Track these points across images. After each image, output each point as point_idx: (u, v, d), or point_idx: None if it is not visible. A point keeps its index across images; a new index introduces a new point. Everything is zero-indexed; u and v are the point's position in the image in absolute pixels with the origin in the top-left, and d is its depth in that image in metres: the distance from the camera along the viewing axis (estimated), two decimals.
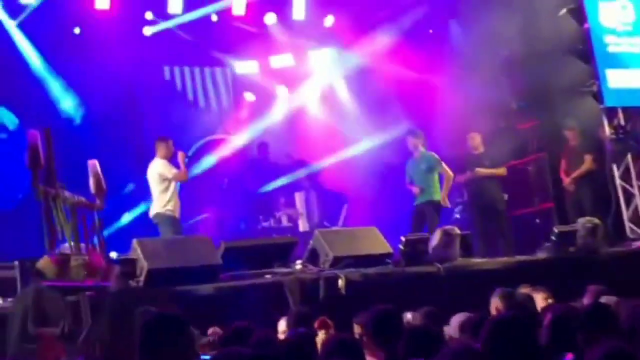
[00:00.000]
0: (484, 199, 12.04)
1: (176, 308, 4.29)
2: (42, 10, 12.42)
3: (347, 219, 13.02)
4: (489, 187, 12.02)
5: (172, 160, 10.87)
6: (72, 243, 8.30)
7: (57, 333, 4.80)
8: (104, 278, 8.06)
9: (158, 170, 10.84)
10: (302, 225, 13.00)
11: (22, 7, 12.47)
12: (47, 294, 6.85)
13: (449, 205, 11.63)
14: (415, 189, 11.48)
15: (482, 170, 12.02)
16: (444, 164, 11.44)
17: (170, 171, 10.78)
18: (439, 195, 11.41)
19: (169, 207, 10.70)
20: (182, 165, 10.85)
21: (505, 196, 12.16)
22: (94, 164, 8.65)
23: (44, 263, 7.90)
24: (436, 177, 11.54)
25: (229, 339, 5.01)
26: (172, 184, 10.77)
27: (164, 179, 10.75)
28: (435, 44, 13.30)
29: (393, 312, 5.46)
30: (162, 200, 10.73)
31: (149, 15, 13.53)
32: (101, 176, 8.62)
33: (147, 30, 13.67)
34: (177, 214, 10.81)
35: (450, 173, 11.47)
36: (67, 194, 8.21)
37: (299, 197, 13.17)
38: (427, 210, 11.35)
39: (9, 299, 7.51)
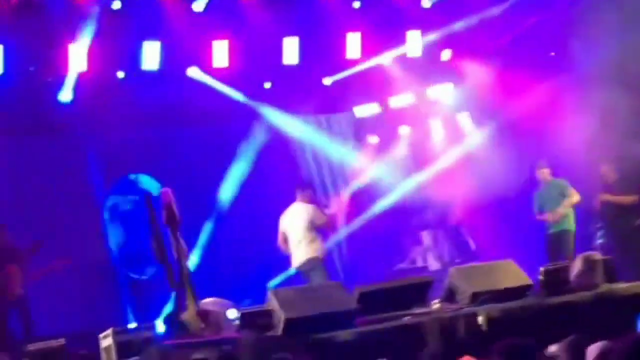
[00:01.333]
0: (617, 227, 11.68)
1: (309, 356, 4.25)
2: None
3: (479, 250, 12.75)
4: (621, 213, 11.64)
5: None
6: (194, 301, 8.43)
7: None
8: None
9: (310, 217, 11.19)
10: (433, 264, 12.85)
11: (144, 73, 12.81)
12: (172, 352, 6.95)
13: None
14: (550, 216, 11.29)
15: (607, 197, 11.74)
16: (572, 189, 11.27)
17: (322, 218, 11.19)
18: (573, 224, 11.22)
19: (321, 251, 11.23)
20: (337, 212, 11.53)
21: (638, 221, 11.73)
22: (166, 193, 8.62)
23: (190, 316, 8.04)
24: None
25: None
26: (320, 230, 11.32)
27: (314, 225, 11.15)
28: (559, 67, 12.98)
29: (528, 347, 5.24)
30: (314, 245, 11.17)
31: None
32: (174, 206, 8.55)
33: None
34: (323, 256, 11.30)
35: (579, 197, 11.29)
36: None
37: (426, 236, 13.05)
38: (563, 238, 11.09)
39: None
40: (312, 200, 11.26)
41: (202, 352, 7.47)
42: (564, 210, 11.50)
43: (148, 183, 13.51)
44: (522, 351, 5.08)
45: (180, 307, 8.44)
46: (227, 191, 13.62)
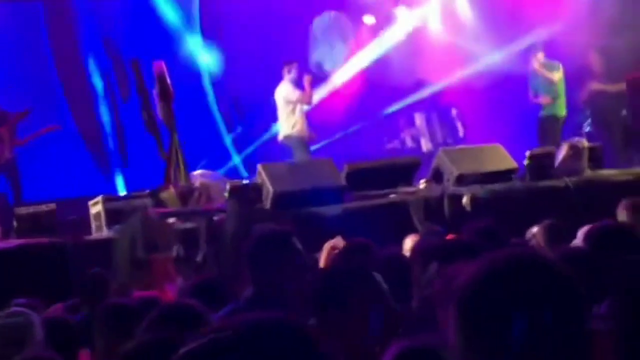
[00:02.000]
0: (603, 115, 11.70)
1: (291, 227, 4.34)
2: None
3: (468, 135, 12.77)
4: (607, 102, 11.64)
5: (299, 83, 11.04)
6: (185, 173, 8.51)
7: (171, 257, 4.94)
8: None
9: (283, 93, 11.07)
10: (425, 146, 12.89)
11: None
12: (155, 221, 7.04)
13: None
14: (544, 99, 11.37)
15: (597, 85, 11.70)
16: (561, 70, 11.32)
17: (294, 94, 10.92)
18: (563, 109, 11.26)
19: (296, 129, 10.91)
20: (307, 88, 11.02)
21: (624, 111, 11.74)
22: (160, 65, 8.53)
23: (168, 194, 8.12)
24: (562, 88, 11.32)
25: (350, 252, 5.03)
26: (298, 107, 10.97)
27: (288, 102, 10.89)
28: None
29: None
30: (289, 123, 10.95)
31: None
32: (167, 80, 8.50)
33: None
34: (305, 136, 11.00)
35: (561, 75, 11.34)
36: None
37: (419, 118, 13.05)
38: (551, 122, 11.17)
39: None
40: (296, 76, 11.11)
41: (189, 222, 7.61)
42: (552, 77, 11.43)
43: None
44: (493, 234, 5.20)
45: (169, 179, 8.52)
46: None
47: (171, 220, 7.77)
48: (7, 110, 11.02)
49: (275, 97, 11.24)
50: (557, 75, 11.57)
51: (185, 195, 8.39)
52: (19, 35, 12.69)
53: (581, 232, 5.66)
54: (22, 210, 7.67)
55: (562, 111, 11.40)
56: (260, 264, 3.56)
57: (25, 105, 11.14)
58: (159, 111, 8.51)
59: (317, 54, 13.64)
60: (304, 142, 11.07)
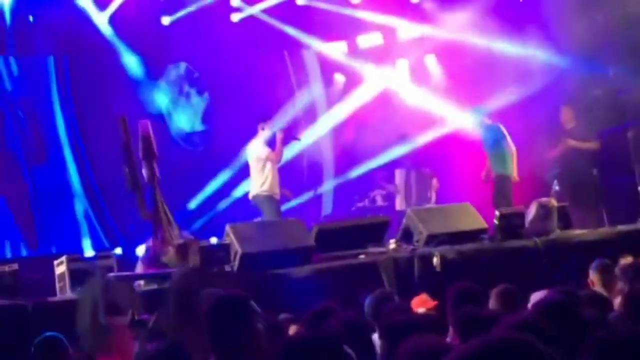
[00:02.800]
0: (574, 174, 11.74)
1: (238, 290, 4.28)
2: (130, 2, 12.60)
3: (441, 197, 12.77)
4: (579, 160, 11.69)
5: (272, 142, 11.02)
6: (175, 231, 8.38)
7: (127, 322, 4.83)
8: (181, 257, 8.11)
9: (253, 150, 11.03)
10: (399, 204, 12.84)
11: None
12: (115, 283, 6.91)
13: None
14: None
15: (571, 142, 11.75)
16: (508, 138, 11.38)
17: (264, 151, 10.89)
18: (511, 169, 11.31)
19: (265, 187, 10.81)
20: (278, 145, 10.97)
21: (595, 171, 11.80)
22: (144, 125, 8.40)
23: (170, 257, 7.96)
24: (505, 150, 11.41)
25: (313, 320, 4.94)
26: (268, 164, 10.88)
27: (259, 160, 10.86)
28: (526, 13, 12.92)
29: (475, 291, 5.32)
30: (258, 181, 10.86)
31: (235, 2, 13.56)
32: (152, 139, 8.36)
33: (234, 17, 13.73)
34: (274, 194, 10.90)
35: (513, 148, 11.39)
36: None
37: (399, 175, 13.02)
38: (502, 182, 11.25)
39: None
40: (270, 134, 11.04)
41: (149, 284, 7.48)
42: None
43: None
44: (471, 295, 5.15)
45: (165, 239, 8.33)
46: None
47: (137, 282, 7.65)
48: None
49: (247, 155, 11.19)
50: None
51: (183, 251, 8.28)
52: None
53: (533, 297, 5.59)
54: None
55: (509, 170, 11.47)
56: (218, 330, 3.47)
57: None
58: (143, 170, 8.39)
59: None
60: (273, 201, 10.93)
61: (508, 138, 11.48)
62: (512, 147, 11.49)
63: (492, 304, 5.28)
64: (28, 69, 12.82)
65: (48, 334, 4.84)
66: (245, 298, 3.69)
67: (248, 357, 3.32)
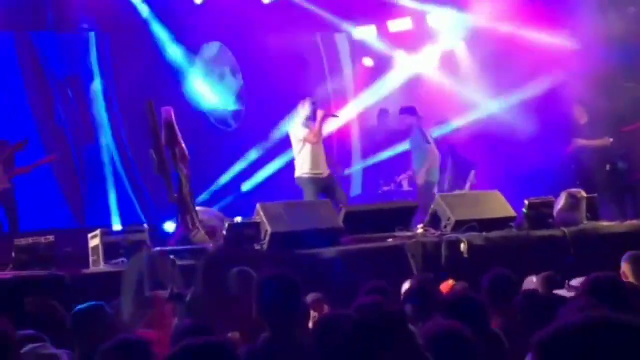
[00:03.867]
0: (586, 170, 11.73)
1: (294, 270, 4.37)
2: None
3: (474, 184, 12.76)
4: (590, 158, 11.67)
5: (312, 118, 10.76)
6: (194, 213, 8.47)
7: (166, 295, 4.93)
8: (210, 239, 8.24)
9: (292, 130, 10.87)
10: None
11: None
12: (159, 258, 7.03)
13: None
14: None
15: (580, 141, 11.75)
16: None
17: (302, 131, 10.71)
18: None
19: (305, 169, 10.68)
20: (317, 124, 10.63)
21: (608, 166, 11.76)
22: (167, 111, 8.46)
23: (201, 236, 8.08)
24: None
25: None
26: (308, 145, 10.64)
27: (297, 140, 10.75)
28: (558, 1, 12.89)
29: (511, 277, 5.42)
30: (298, 162, 10.75)
31: None
32: (175, 126, 8.44)
33: None
34: (316, 175, 10.68)
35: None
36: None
37: None
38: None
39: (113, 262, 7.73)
40: (310, 113, 10.87)
41: (188, 259, 7.57)
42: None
43: None
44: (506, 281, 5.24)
45: (182, 222, 8.41)
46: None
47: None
48: (6, 139, 11.04)
49: (290, 135, 11.02)
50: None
51: (211, 235, 8.41)
52: (17, 64, 12.72)
53: (575, 282, 5.71)
54: (21, 241, 7.63)
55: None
56: (273, 307, 3.56)
57: (23, 135, 11.18)
58: (170, 154, 8.47)
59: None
60: (314, 181, 10.64)
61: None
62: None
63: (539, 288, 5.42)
64: (71, 46, 12.95)
65: (90, 303, 4.93)
66: (294, 276, 3.78)
67: (301, 331, 3.42)
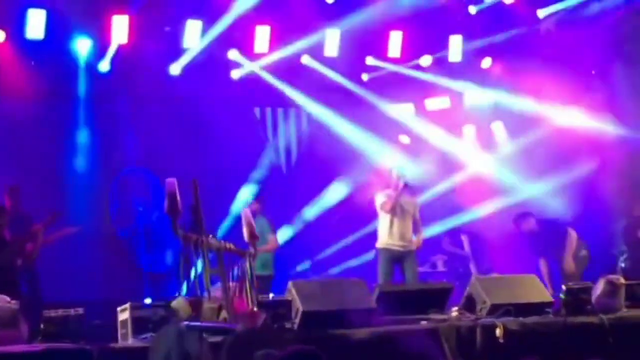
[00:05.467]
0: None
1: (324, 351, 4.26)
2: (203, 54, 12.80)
3: (499, 267, 12.60)
4: None
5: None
6: (209, 288, 8.40)
7: None
8: (249, 323, 8.10)
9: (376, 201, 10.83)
10: (472, 269, 12.72)
11: (184, 51, 12.85)
12: (188, 333, 6.95)
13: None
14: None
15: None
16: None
17: (379, 200, 10.77)
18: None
19: (378, 240, 10.76)
20: (392, 193, 10.68)
21: None
22: (246, 212, 8.72)
23: (179, 303, 8.02)
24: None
25: None
26: (381, 214, 10.72)
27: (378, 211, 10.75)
28: (599, 87, 12.88)
29: None
30: (378, 232, 10.80)
31: (305, 59, 13.69)
32: (253, 224, 8.67)
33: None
34: (386, 246, 10.70)
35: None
36: (212, 240, 8.31)
37: (465, 240, 12.89)
38: None
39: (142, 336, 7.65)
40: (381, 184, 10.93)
41: (216, 336, 7.47)
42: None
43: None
44: None
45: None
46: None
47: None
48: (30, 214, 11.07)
49: None
50: None
51: (195, 305, 8.28)
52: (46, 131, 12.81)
53: None
54: (51, 313, 7.59)
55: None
56: None
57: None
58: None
59: None
60: (382, 253, 10.68)
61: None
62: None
63: None
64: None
65: None
66: (320, 353, 3.68)
67: None
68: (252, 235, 8.64)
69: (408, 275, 10.48)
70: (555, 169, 12.34)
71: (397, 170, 10.78)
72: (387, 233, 10.64)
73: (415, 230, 10.83)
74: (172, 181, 8.38)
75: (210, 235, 8.33)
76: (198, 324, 7.70)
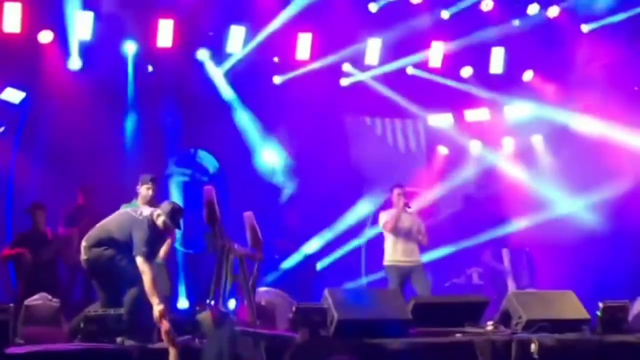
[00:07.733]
0: None
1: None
2: (245, 60, 12.89)
3: (539, 282, 12.53)
4: None
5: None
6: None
7: None
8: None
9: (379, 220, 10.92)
10: (510, 285, 12.65)
11: (228, 56, 12.95)
12: (241, 337, 7.01)
13: None
14: None
15: None
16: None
17: (381, 219, 10.82)
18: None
19: (385, 257, 10.75)
20: (394, 212, 10.72)
21: None
22: (249, 217, 8.71)
23: (205, 316, 8.04)
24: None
25: None
26: (385, 233, 10.75)
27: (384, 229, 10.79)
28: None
29: None
30: (384, 250, 10.80)
31: (346, 67, 13.72)
32: (257, 228, 8.67)
33: (344, 82, 13.87)
34: (393, 263, 10.67)
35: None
36: (236, 246, 8.37)
37: (506, 254, 12.83)
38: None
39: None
40: (388, 202, 10.94)
41: (265, 342, 7.52)
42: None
43: (207, 160, 13.68)
44: None
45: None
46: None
47: None
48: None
49: None
50: None
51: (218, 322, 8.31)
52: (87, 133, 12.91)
53: None
54: (91, 312, 7.68)
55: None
56: None
57: None
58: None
59: None
60: (391, 270, 10.66)
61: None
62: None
63: None
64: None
65: None
66: None
67: None
68: (257, 240, 8.65)
69: (419, 289, 10.46)
70: (594, 184, 12.25)
71: (398, 191, 10.79)
72: (392, 251, 10.70)
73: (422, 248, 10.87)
74: (209, 189, 8.44)
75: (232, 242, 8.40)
76: (253, 329, 7.75)
